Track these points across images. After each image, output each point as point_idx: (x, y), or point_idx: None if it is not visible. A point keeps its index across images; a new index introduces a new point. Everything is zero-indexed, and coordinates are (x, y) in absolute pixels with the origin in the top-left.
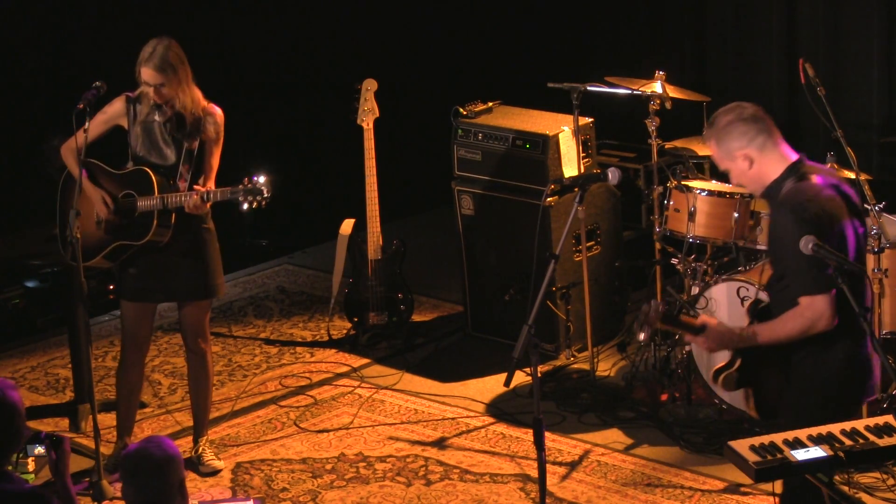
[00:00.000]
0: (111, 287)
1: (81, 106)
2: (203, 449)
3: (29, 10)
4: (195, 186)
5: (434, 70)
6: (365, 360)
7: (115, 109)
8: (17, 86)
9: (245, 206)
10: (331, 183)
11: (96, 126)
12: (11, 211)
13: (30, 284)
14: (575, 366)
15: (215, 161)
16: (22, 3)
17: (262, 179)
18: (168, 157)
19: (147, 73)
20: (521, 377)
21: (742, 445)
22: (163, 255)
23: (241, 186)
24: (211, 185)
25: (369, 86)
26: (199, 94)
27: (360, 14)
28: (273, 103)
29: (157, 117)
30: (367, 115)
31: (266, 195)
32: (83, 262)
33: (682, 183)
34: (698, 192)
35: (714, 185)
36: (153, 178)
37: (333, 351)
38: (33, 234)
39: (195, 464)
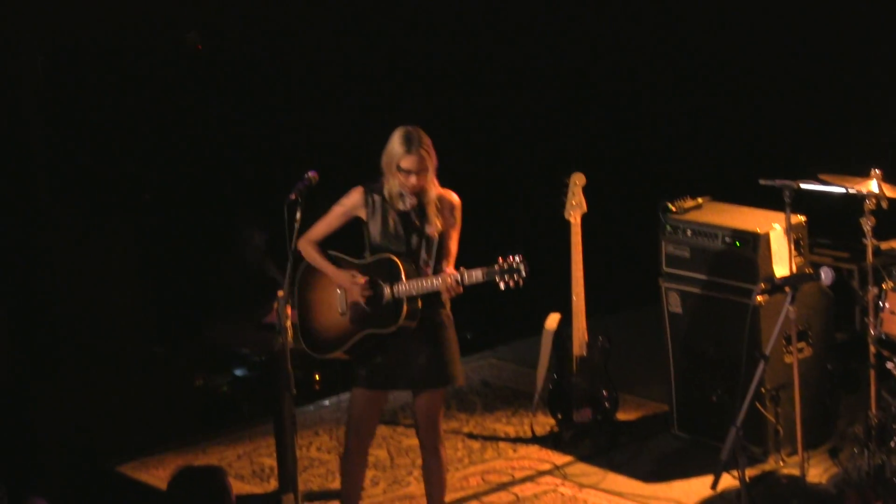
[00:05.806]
0: (317, 377)
1: (294, 196)
2: None
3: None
4: (447, 269)
5: (640, 164)
6: (568, 458)
7: (353, 201)
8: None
9: (502, 285)
10: (536, 277)
11: (334, 218)
12: (216, 297)
13: (238, 373)
14: (784, 470)
15: (454, 245)
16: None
17: (517, 258)
18: (410, 245)
19: (410, 161)
20: (728, 480)
21: None
22: (403, 341)
23: (496, 266)
24: (450, 270)
25: (577, 180)
26: (435, 180)
27: (567, 108)
28: (479, 199)
29: (400, 206)
30: (575, 209)
31: (524, 274)
32: (324, 354)
33: None
34: None
35: None
36: (401, 265)
37: (536, 447)
38: (242, 321)
39: None
